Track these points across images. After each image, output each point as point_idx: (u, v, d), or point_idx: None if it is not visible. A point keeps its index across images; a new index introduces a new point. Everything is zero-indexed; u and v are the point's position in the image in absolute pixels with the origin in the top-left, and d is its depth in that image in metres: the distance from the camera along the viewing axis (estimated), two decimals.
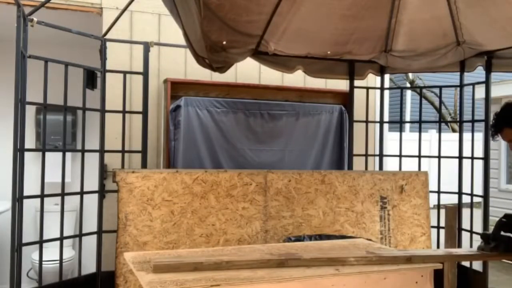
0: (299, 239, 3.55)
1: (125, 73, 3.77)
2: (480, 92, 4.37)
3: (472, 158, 4.27)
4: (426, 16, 3.67)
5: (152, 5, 4.06)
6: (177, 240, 3.42)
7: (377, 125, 4.71)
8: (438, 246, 4.47)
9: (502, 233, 2.60)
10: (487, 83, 4.08)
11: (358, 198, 3.92)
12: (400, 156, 4.54)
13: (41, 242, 3.37)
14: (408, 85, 9.54)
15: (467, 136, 4.32)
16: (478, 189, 4.28)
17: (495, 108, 7.96)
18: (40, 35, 3.32)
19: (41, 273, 3.40)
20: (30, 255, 4.25)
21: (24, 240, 3.18)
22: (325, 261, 2.27)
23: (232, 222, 3.56)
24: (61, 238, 3.48)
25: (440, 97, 5.57)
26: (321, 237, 3.62)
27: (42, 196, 3.34)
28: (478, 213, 4.38)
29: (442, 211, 3.52)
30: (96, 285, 3.59)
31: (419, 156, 4.47)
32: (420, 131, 4.51)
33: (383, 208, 3.99)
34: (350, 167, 4.36)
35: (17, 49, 2.97)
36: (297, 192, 3.75)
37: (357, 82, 4.39)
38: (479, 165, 4.48)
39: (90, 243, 3.70)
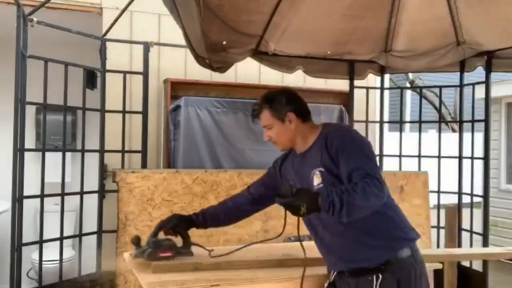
0: (299, 239, 3.54)
1: (125, 73, 3.77)
2: (480, 92, 4.36)
3: (472, 158, 4.27)
4: (426, 16, 3.67)
5: (152, 5, 4.05)
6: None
7: (377, 125, 4.70)
8: (438, 246, 4.47)
9: (162, 236, 2.23)
10: (487, 83, 4.07)
11: None
12: (400, 156, 4.53)
13: (41, 242, 3.37)
14: (408, 85, 9.54)
15: (467, 136, 4.32)
16: (478, 189, 4.28)
17: (495, 108, 7.89)
18: (40, 35, 3.32)
19: (41, 273, 3.40)
20: (30, 255, 4.25)
21: (24, 240, 3.18)
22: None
23: None
24: (61, 238, 3.48)
25: (440, 97, 5.56)
26: None
27: (42, 196, 3.34)
28: (478, 213, 4.37)
29: (442, 211, 3.52)
30: (96, 285, 3.59)
31: (419, 156, 4.46)
32: (420, 131, 4.51)
33: None
34: None
35: (17, 49, 2.97)
36: None
37: (357, 82, 4.38)
38: (479, 165, 4.47)
39: (90, 243, 3.70)
